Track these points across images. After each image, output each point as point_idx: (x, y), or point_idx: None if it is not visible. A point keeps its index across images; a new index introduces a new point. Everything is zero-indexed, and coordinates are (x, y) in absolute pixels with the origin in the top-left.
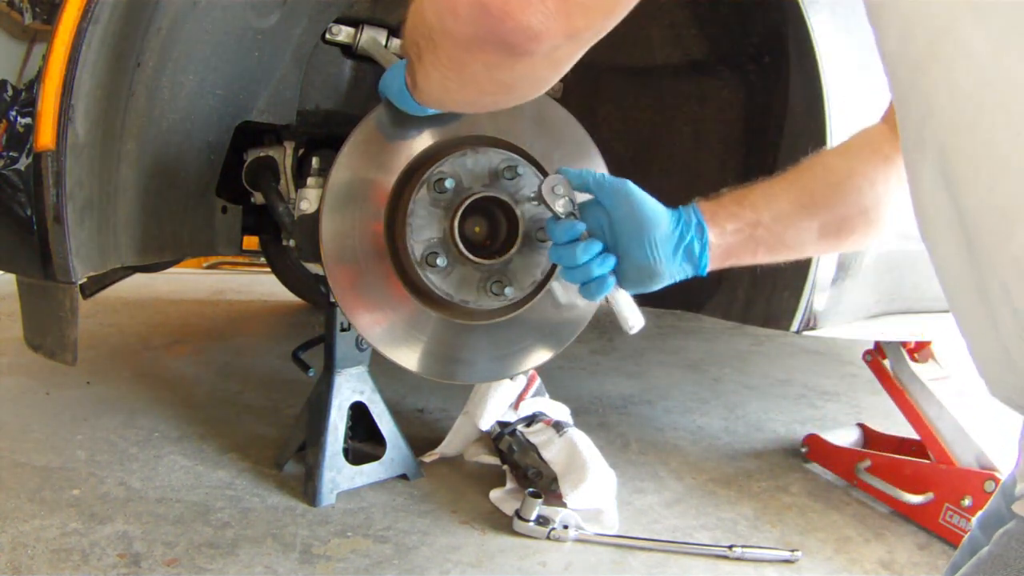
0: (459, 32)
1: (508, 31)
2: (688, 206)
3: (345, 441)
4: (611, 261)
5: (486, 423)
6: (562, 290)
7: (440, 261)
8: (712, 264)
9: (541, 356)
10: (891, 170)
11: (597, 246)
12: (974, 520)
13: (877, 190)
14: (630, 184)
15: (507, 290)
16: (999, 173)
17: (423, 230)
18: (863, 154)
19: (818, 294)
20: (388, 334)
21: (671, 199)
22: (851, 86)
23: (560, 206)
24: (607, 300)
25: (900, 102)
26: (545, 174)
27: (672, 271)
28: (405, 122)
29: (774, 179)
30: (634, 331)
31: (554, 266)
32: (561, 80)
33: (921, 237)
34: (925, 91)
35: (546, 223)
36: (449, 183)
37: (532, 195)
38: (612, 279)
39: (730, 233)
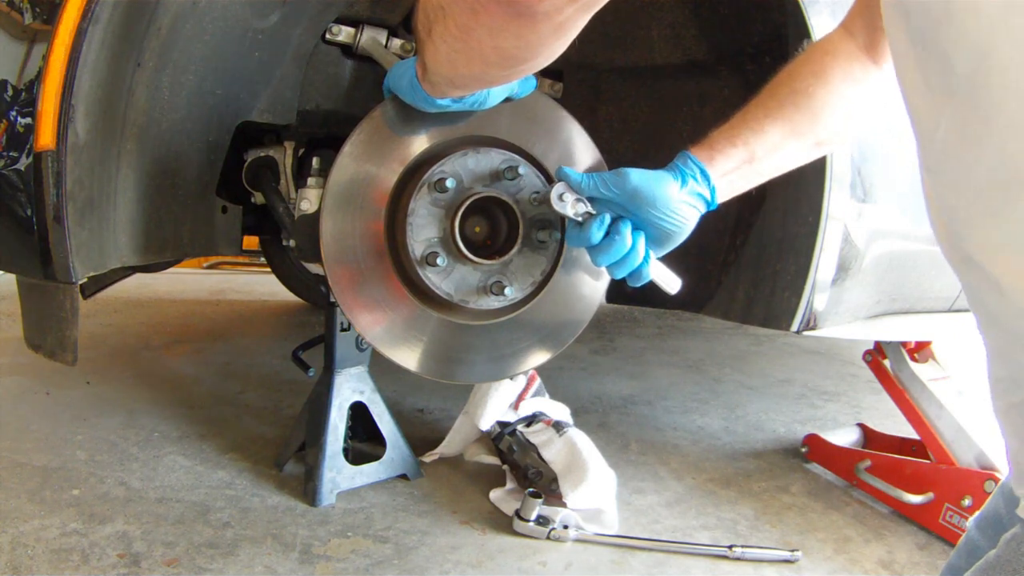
0: None
1: None
2: (685, 158)
3: (345, 441)
4: (643, 244)
5: (486, 423)
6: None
7: (440, 261)
8: (718, 200)
9: (541, 357)
10: (862, 91)
11: (626, 225)
12: (971, 521)
13: (852, 113)
14: (630, 174)
15: (507, 290)
16: (1008, 133)
17: (423, 229)
18: (838, 82)
19: (818, 294)
20: (388, 334)
21: None
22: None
23: (573, 211)
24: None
25: (921, 63)
26: (547, 175)
27: (692, 223)
28: (409, 120)
29: (758, 110)
30: (675, 291)
31: (553, 268)
32: (561, 81)
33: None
34: (943, 50)
35: (567, 237)
36: (450, 183)
37: (534, 196)
38: (648, 260)
39: (729, 172)
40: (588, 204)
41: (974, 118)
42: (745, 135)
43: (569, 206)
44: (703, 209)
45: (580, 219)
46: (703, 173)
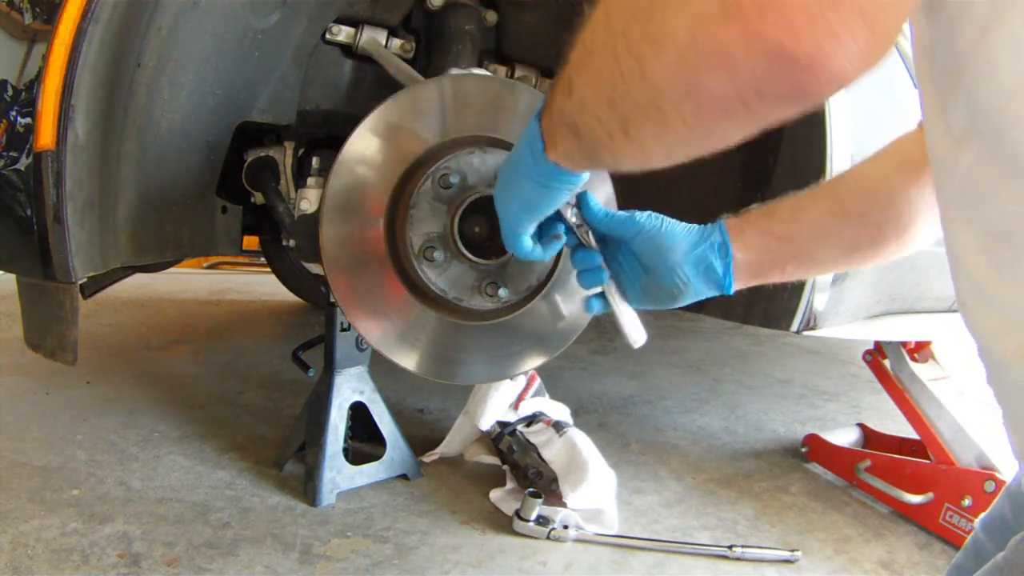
0: (729, 91)
1: (815, 82)
2: (714, 223)
3: (345, 441)
4: (600, 277)
5: (486, 423)
6: (562, 304)
7: (437, 255)
8: (739, 283)
9: (538, 359)
10: (923, 176)
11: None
12: (977, 522)
13: (909, 195)
14: (638, 218)
15: (501, 291)
16: None
17: (423, 223)
18: (894, 161)
19: (818, 294)
20: (387, 334)
21: (672, 199)
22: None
23: (575, 221)
24: (613, 314)
25: (943, 103)
26: None
27: (696, 290)
28: (413, 118)
29: (804, 191)
30: (637, 345)
31: (551, 272)
32: None
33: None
34: (968, 84)
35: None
36: (454, 179)
37: None
38: (603, 294)
39: (757, 249)
40: (585, 227)
41: (999, 159)
42: (783, 211)
43: (572, 214)
44: (712, 289)
45: (575, 226)
46: (723, 243)
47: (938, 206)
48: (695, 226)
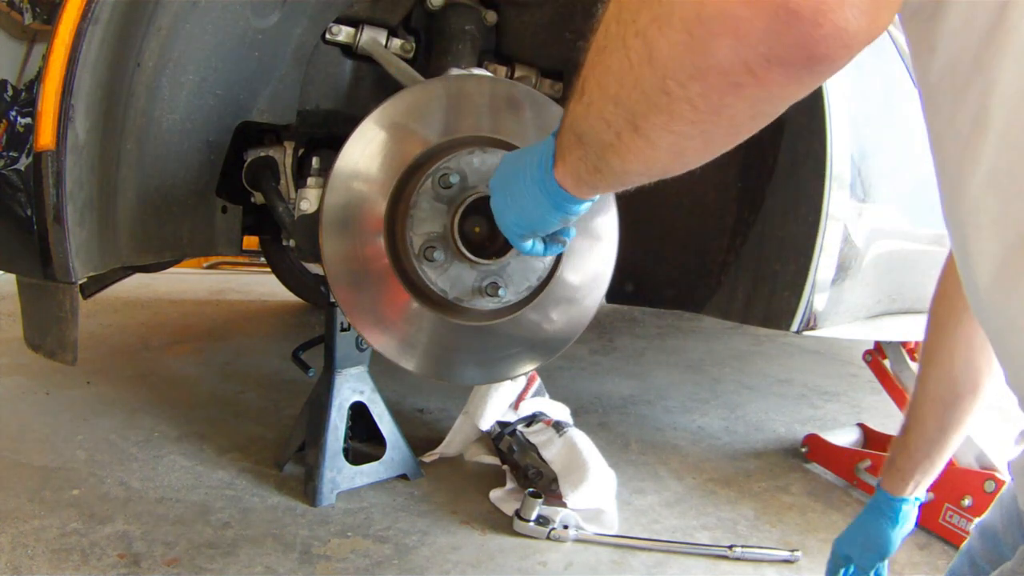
0: (735, 59)
1: (821, 38)
2: (901, 501)
3: (345, 441)
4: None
5: (486, 423)
6: None
7: (437, 255)
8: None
9: (538, 360)
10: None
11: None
12: (973, 527)
13: (974, 345)
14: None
15: (501, 291)
16: None
17: (424, 223)
18: (949, 328)
19: (818, 294)
20: (387, 334)
21: (671, 199)
22: (849, 86)
23: None
24: None
25: (956, 89)
26: None
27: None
28: (412, 119)
29: (909, 412)
30: None
31: (550, 274)
32: (562, 81)
33: (952, 238)
34: (988, 66)
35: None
36: (454, 179)
37: None
38: None
39: (923, 486)
40: None
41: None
42: (920, 456)
43: None
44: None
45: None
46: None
47: (945, 208)
48: (880, 520)
